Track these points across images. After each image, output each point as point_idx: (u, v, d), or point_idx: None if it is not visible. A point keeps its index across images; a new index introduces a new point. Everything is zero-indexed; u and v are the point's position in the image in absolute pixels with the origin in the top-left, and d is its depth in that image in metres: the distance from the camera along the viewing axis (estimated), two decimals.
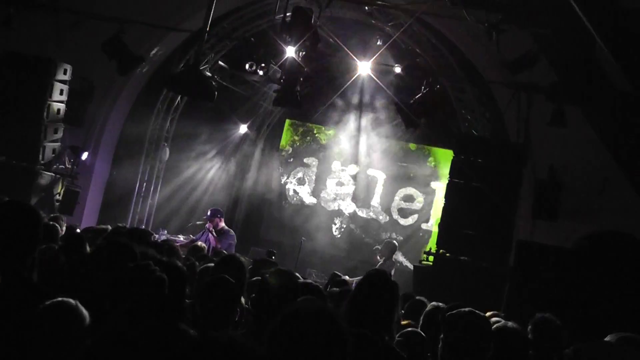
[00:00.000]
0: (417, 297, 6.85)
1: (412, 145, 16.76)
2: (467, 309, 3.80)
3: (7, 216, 3.46)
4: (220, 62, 14.52)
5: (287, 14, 11.16)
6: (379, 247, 12.92)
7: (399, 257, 16.20)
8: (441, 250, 10.88)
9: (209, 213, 12.46)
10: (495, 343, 3.72)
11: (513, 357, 4.04)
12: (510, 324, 4.34)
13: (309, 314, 2.24)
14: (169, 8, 13.25)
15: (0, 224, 3.38)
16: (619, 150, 10.62)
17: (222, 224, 12.19)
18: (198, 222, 15.18)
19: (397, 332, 4.72)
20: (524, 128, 11.78)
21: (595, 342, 3.99)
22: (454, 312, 3.79)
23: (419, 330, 4.98)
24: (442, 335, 3.76)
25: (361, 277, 4.46)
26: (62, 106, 12.41)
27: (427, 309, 5.36)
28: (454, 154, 11.22)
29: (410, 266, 13.85)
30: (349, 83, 16.05)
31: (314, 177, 17.70)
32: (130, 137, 14.90)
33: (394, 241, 13.40)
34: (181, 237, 14.03)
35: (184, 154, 16.32)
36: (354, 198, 17.35)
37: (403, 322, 5.35)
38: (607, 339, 3.67)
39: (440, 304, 5.33)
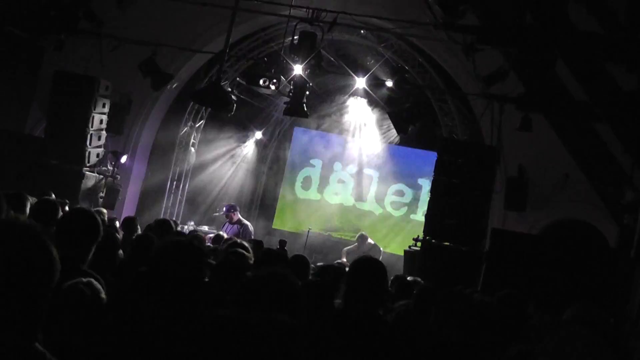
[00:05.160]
0: (408, 278, 6.90)
1: (402, 148, 16.76)
2: (457, 288, 3.83)
3: (75, 220, 3.60)
4: (238, 79, 14.55)
5: (295, 37, 11.19)
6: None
7: (391, 243, 16.22)
8: (427, 237, 10.89)
9: (224, 209, 12.45)
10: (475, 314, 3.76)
11: (488, 325, 4.06)
12: (486, 298, 4.37)
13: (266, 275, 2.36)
14: (195, 33, 13.30)
15: (70, 225, 3.54)
16: (577, 151, 10.65)
17: (238, 217, 12.16)
18: (215, 214, 15.32)
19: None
20: (497, 133, 11.79)
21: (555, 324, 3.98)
22: (446, 290, 3.82)
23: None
24: (434, 310, 3.77)
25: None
26: (104, 117, 12.47)
27: (418, 288, 5.28)
28: (438, 155, 11.22)
29: (401, 251, 13.88)
30: (347, 95, 16.11)
31: (318, 176, 17.71)
32: (163, 143, 14.95)
33: (363, 232, 13.79)
34: (206, 227, 14.08)
35: (208, 157, 16.36)
36: (353, 193, 17.37)
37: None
38: (564, 314, 3.68)
39: (429, 284, 5.29)
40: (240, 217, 12.24)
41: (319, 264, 9.31)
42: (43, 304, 1.67)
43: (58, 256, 1.73)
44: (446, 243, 10.73)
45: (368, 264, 4.03)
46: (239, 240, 6.13)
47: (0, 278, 1.59)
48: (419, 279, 7.14)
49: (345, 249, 13.50)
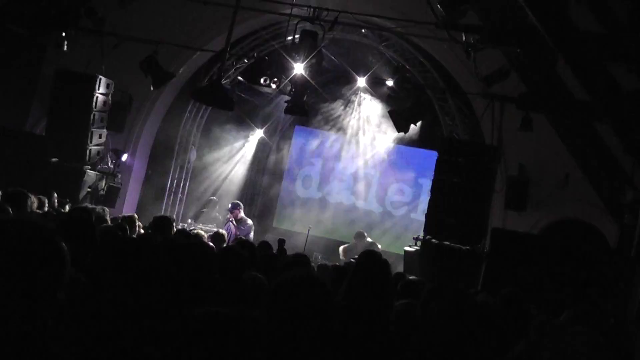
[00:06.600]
0: (410, 277, 6.87)
1: (403, 147, 16.75)
2: (457, 287, 3.79)
3: (74, 219, 3.66)
4: (239, 77, 14.55)
5: (296, 36, 11.19)
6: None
7: (391, 242, 16.20)
8: (427, 236, 10.89)
9: (230, 206, 12.48)
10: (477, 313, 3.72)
11: (490, 324, 4.03)
12: (487, 297, 4.36)
13: (299, 280, 2.28)
14: (196, 32, 13.30)
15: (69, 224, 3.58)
16: (577, 150, 10.65)
17: (242, 215, 12.18)
18: (203, 210, 15.43)
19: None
20: (497, 132, 11.78)
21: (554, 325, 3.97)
22: (446, 289, 3.78)
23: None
24: (436, 309, 3.72)
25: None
26: (105, 115, 12.46)
27: (426, 288, 5.24)
28: (438, 154, 11.22)
29: (401, 250, 13.88)
30: (348, 94, 16.11)
31: (319, 175, 17.71)
32: (163, 141, 14.95)
33: (361, 230, 13.83)
34: (202, 226, 14.07)
35: (209, 155, 16.36)
36: (353, 192, 17.36)
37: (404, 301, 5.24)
38: (565, 314, 3.67)
39: (435, 284, 5.24)
40: (244, 215, 12.26)
41: (320, 263, 9.32)
42: (54, 301, 1.68)
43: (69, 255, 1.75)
44: (446, 242, 10.72)
45: (371, 260, 4.00)
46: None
47: (14, 275, 1.60)
48: (419, 279, 7.12)
49: (343, 246, 13.52)
